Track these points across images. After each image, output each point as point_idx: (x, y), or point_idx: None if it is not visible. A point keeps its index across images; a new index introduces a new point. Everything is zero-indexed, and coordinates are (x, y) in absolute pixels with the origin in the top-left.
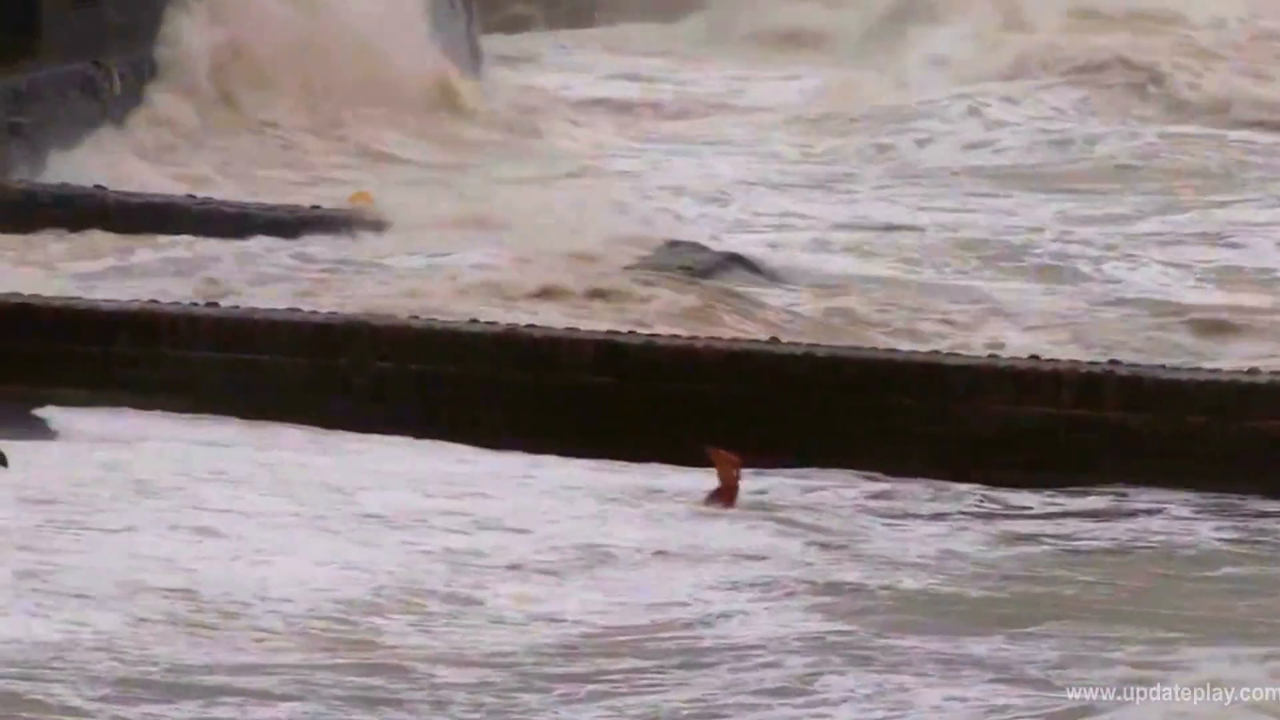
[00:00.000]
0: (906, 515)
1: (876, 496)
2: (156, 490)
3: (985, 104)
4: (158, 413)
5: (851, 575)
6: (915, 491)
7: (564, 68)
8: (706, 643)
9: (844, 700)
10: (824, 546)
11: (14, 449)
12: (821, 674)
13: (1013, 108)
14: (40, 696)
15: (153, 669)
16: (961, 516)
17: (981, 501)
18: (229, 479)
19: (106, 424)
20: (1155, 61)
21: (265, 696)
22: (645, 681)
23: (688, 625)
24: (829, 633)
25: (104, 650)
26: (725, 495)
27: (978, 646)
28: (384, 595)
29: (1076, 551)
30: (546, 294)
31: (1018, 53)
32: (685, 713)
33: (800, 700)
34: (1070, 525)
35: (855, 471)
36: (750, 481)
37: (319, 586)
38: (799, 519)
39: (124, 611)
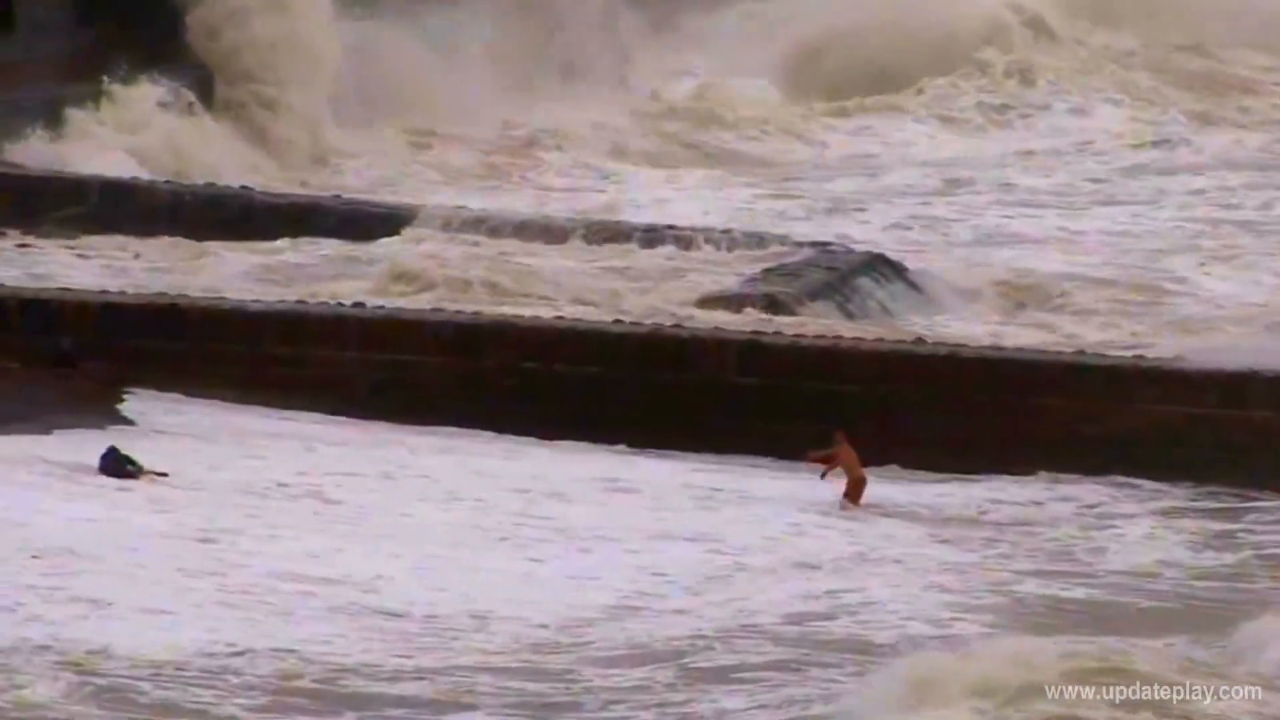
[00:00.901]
0: (1075, 519)
1: (1058, 501)
2: (325, 496)
3: (1083, 107)
4: (309, 413)
5: (1029, 584)
6: (1081, 495)
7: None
8: (839, 636)
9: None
10: (988, 549)
11: (168, 452)
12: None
13: (1117, 108)
14: (197, 705)
15: (314, 677)
16: (1123, 520)
17: (1145, 504)
18: (386, 480)
19: (259, 424)
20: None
21: (430, 706)
22: (779, 678)
23: (828, 622)
24: (962, 635)
25: (268, 658)
26: (855, 490)
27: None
28: (566, 604)
29: (1269, 557)
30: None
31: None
32: (811, 700)
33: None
34: (1250, 526)
35: (1036, 476)
36: (927, 484)
37: (497, 595)
38: (972, 525)
39: (291, 619)
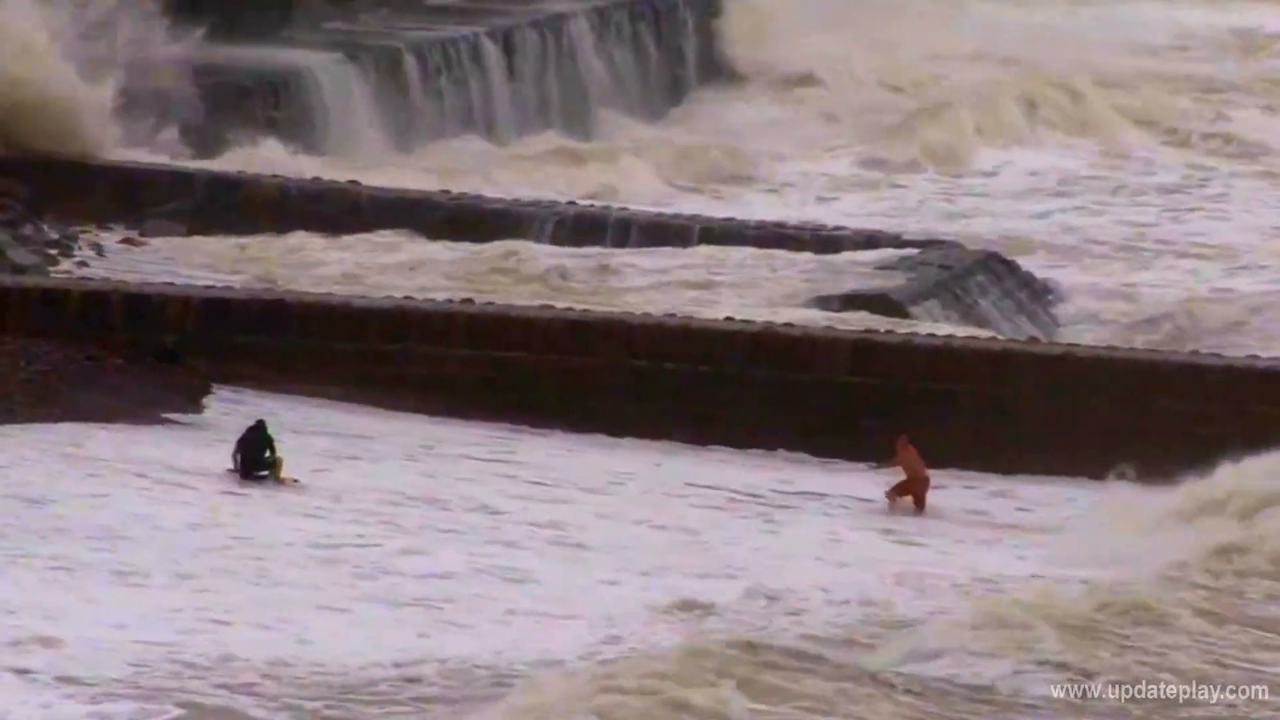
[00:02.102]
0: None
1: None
2: (488, 505)
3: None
4: (419, 414)
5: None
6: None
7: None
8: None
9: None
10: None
11: (293, 451)
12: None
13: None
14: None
15: (454, 685)
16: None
17: None
18: (542, 488)
19: (377, 424)
20: None
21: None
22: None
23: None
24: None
25: (415, 665)
26: (913, 490)
27: None
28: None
29: None
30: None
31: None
32: None
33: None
34: None
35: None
36: (1040, 485)
37: (645, 600)
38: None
39: (468, 631)
